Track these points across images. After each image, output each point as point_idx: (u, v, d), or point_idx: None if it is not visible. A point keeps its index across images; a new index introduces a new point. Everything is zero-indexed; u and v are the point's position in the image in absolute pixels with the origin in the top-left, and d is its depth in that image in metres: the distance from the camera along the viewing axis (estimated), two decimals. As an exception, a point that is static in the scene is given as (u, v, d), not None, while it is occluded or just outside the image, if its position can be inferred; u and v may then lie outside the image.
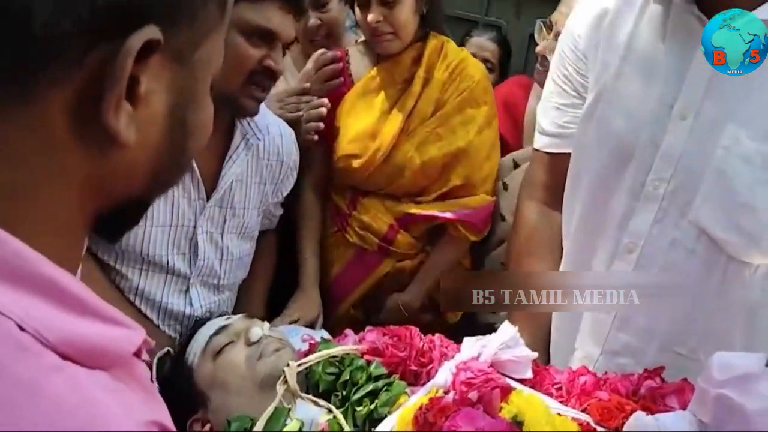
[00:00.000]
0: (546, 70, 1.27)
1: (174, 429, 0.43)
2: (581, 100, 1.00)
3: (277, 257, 1.41)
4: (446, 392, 0.85)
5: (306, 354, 1.06)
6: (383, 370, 0.88)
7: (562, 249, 1.07)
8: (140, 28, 0.34)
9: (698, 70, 0.85)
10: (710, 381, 0.66)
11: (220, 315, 1.09)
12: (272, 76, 1.05)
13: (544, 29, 1.46)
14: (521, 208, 1.12)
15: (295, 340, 1.26)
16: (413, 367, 0.91)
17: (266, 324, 0.99)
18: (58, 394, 0.33)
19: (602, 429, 0.75)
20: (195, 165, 1.06)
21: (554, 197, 1.07)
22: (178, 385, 0.96)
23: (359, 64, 1.46)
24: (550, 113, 1.05)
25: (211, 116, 0.44)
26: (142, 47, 0.35)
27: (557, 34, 1.30)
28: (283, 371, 0.83)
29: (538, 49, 1.50)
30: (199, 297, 1.13)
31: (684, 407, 0.78)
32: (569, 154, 1.02)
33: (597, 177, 0.97)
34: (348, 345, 0.92)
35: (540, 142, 1.08)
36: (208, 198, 1.10)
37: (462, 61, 1.42)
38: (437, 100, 1.41)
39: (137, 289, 1.07)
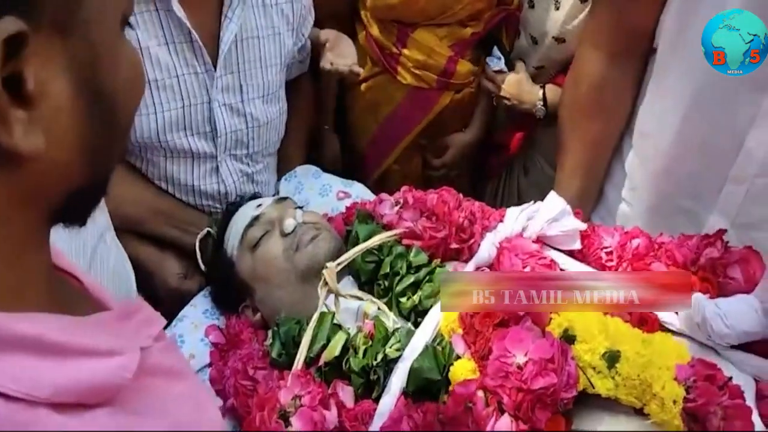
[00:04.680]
0: None
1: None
2: None
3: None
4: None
5: (344, 219, 1.04)
6: (423, 258, 0.84)
7: (630, 109, 0.93)
8: None
9: None
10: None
11: (252, 197, 1.06)
12: None
13: None
14: (583, 58, 0.95)
15: (330, 197, 1.24)
16: (454, 245, 0.88)
17: (299, 212, 0.95)
18: None
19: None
20: (194, 33, 0.94)
21: (626, 46, 0.90)
22: (223, 275, 0.97)
23: None
24: None
25: (134, 59, 0.39)
26: (6, 46, 0.29)
27: None
28: (323, 274, 0.81)
29: None
30: (230, 173, 1.08)
31: (748, 279, 0.73)
32: None
33: None
34: (383, 233, 0.88)
35: None
36: (215, 67, 0.98)
37: None
38: None
39: (166, 176, 1.04)
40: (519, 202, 1.42)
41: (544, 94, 1.25)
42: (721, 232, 0.79)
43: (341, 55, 1.18)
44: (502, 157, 1.42)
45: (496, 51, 1.34)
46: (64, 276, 0.45)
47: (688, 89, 0.86)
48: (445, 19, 1.28)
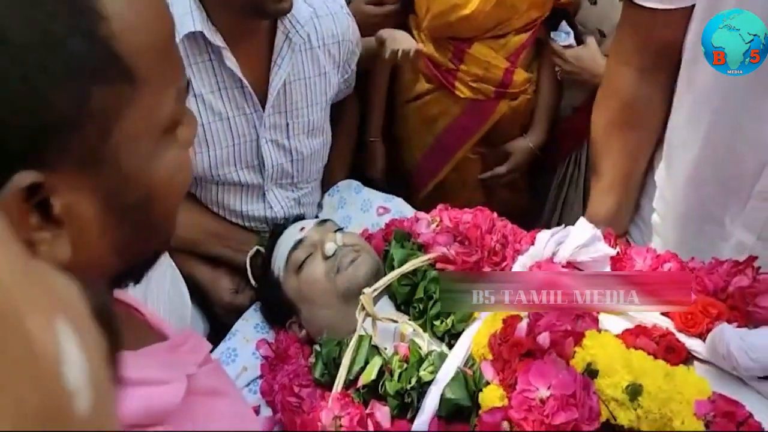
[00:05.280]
0: None
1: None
2: None
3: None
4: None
5: (384, 236, 1.09)
6: (456, 282, 0.88)
7: (662, 122, 0.94)
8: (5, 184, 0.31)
9: None
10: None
11: (296, 219, 1.12)
12: None
13: None
14: (613, 75, 0.96)
15: (371, 213, 1.29)
16: (487, 269, 0.92)
17: (339, 234, 1.01)
18: None
19: (685, 337, 0.74)
20: (245, 81, 1.00)
21: (655, 61, 0.90)
22: (272, 294, 1.04)
23: None
24: None
25: (178, 157, 0.41)
26: (26, 191, 0.32)
27: None
28: (360, 300, 0.86)
29: None
30: (277, 200, 1.15)
31: (778, 308, 0.74)
32: (676, 10, 0.83)
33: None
34: (417, 258, 0.92)
35: None
36: (264, 107, 1.05)
37: None
38: None
39: (217, 202, 1.12)
40: (585, 199, 1.44)
41: None
42: (752, 259, 0.80)
43: (400, 42, 1.21)
44: (563, 149, 1.45)
45: (564, 26, 1.34)
46: (126, 309, 0.52)
47: (711, 102, 0.86)
48: (501, 31, 1.31)
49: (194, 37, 0.94)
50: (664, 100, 0.96)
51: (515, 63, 1.34)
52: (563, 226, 0.92)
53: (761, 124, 0.82)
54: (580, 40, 1.32)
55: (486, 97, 1.36)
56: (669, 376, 0.64)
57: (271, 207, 1.14)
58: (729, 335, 0.69)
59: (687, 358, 0.72)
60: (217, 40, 0.95)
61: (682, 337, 0.74)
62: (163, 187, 0.40)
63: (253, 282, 1.11)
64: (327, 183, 1.31)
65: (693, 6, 0.84)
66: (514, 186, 1.53)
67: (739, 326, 0.73)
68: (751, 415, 0.60)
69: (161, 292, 0.96)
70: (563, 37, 1.29)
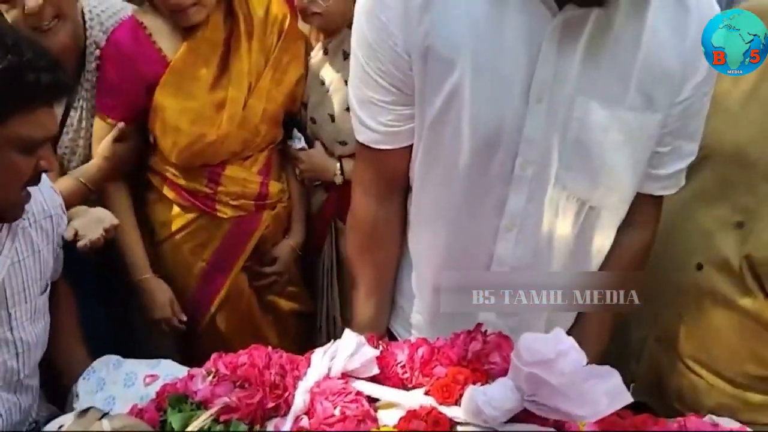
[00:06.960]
0: None
1: None
2: (404, 96, 0.96)
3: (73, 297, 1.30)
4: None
5: (156, 407, 1.02)
6: (244, 429, 0.88)
7: (403, 237, 1.11)
8: None
9: (546, 53, 0.86)
10: (521, 360, 0.78)
11: (50, 419, 0.99)
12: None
13: None
14: (356, 202, 1.10)
15: (137, 386, 1.20)
16: (271, 404, 0.94)
17: (104, 421, 0.92)
18: None
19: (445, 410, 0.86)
20: None
21: (388, 189, 1.07)
22: None
23: (164, 35, 1.34)
24: (369, 108, 0.99)
25: None
26: None
27: None
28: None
29: None
30: (1, 405, 1.01)
31: (505, 360, 0.92)
32: (399, 148, 1.01)
33: (460, 169, 0.96)
34: (199, 417, 0.90)
35: (363, 135, 1.03)
36: None
37: None
38: (264, 46, 1.40)
39: None
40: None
41: (341, 165, 1.53)
42: (479, 325, 0.98)
43: (92, 228, 1.23)
44: (318, 242, 1.63)
45: (296, 132, 1.57)
46: None
47: (439, 221, 1.04)
48: (249, 152, 1.45)
49: None
50: (401, 221, 1.13)
51: (267, 176, 1.48)
52: (332, 341, 1.00)
53: (481, 232, 1.01)
54: (311, 146, 1.58)
55: (248, 212, 1.47)
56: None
57: None
58: (475, 394, 0.83)
59: (451, 425, 0.84)
60: None
61: (443, 409, 0.86)
62: None
63: None
64: (72, 371, 1.19)
65: (412, 144, 1.02)
66: (293, 296, 1.64)
67: (482, 384, 0.89)
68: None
69: None
70: (296, 142, 1.55)
